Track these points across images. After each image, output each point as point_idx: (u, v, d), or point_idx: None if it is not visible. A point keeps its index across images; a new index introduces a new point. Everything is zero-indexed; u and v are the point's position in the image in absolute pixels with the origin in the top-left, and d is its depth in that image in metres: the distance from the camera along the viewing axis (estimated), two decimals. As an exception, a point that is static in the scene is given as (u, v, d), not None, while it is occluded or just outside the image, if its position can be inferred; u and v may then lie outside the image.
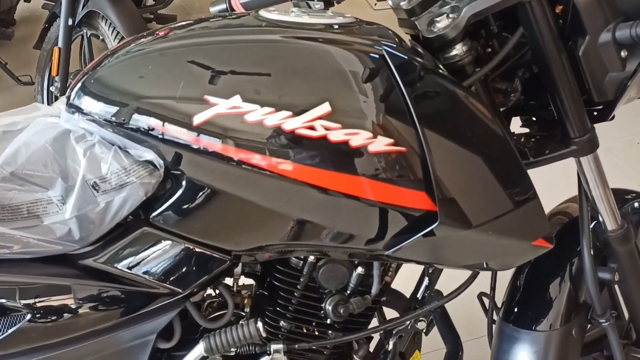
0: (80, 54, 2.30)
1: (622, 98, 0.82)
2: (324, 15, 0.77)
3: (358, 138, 0.66)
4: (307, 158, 0.66)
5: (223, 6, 1.02)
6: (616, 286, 1.02)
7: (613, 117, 0.88)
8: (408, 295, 0.99)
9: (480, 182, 0.71)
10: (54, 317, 0.74)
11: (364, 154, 0.67)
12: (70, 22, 2.05)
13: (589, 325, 0.99)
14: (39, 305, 0.73)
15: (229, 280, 0.89)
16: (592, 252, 0.92)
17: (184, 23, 0.76)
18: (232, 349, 0.84)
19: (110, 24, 1.98)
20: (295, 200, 0.69)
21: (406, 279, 0.99)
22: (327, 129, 0.66)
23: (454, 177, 0.69)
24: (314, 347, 0.88)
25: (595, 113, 0.85)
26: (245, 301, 0.94)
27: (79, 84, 0.74)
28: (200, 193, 0.71)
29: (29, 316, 0.73)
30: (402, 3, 0.82)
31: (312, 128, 0.66)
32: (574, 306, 0.97)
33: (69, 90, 0.77)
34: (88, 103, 0.72)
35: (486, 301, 1.06)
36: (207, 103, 0.66)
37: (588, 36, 0.77)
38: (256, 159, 0.67)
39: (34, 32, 2.50)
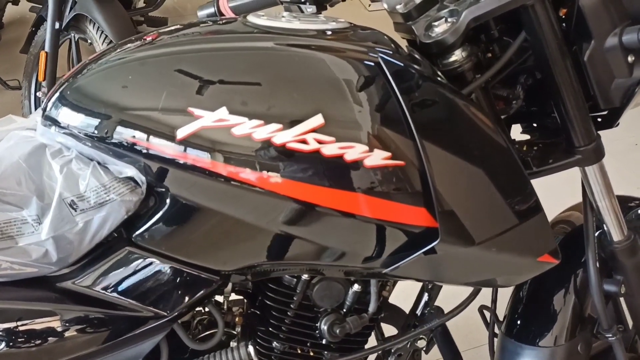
0: (68, 59, 2.25)
1: (629, 105, 0.79)
2: (316, 20, 0.73)
3: (353, 152, 0.62)
4: (299, 173, 0.62)
5: (211, 10, 0.98)
6: (621, 298, 0.99)
7: (618, 123, 0.85)
8: (407, 310, 0.95)
9: (482, 196, 0.67)
10: (31, 344, 0.70)
11: (359, 169, 0.62)
12: (57, 25, 2.00)
13: (595, 340, 0.96)
14: (15, 331, 0.69)
15: (219, 298, 0.85)
16: (597, 265, 0.88)
17: (170, 29, 0.72)
18: (223, 372, 0.80)
19: (98, 27, 1.94)
20: (287, 217, 0.65)
21: (404, 293, 0.95)
22: (320, 142, 0.61)
23: (455, 191, 0.65)
24: (311, 369, 0.84)
25: (599, 119, 0.82)
26: (237, 319, 0.90)
27: (57, 95, 0.70)
28: (186, 210, 0.67)
29: (3, 344, 0.68)
30: (398, 7, 0.78)
31: (304, 142, 0.61)
32: (579, 320, 0.93)
33: (45, 100, 0.72)
34: (65, 115, 0.68)
35: (487, 314, 1.02)
36: (191, 115, 0.62)
37: (594, 40, 0.74)
38: (244, 174, 0.63)
39: (23, 35, 2.45)
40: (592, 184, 0.85)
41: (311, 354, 0.84)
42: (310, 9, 0.85)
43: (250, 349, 0.74)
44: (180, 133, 0.62)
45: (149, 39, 0.69)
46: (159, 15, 2.76)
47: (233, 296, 0.87)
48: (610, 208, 0.87)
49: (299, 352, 0.84)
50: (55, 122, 0.69)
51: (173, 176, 0.65)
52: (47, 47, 2.02)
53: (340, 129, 0.62)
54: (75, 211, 0.66)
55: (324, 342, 0.82)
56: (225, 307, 0.87)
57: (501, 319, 1.00)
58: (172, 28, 0.72)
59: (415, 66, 0.66)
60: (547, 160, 0.80)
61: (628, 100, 0.78)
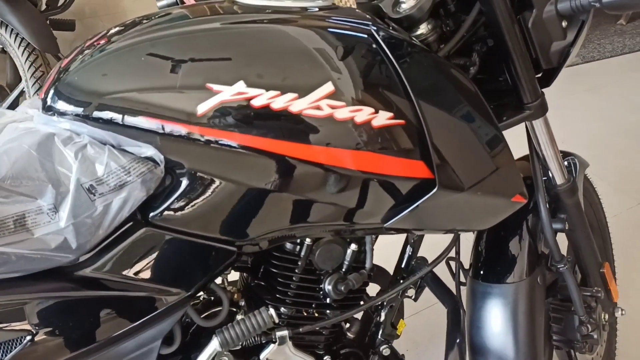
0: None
1: (564, 64, 0.92)
2: (304, 1, 0.78)
3: (362, 114, 0.68)
4: (316, 138, 0.68)
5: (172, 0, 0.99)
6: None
7: (549, 84, 0.98)
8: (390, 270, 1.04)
9: (468, 147, 0.77)
10: (55, 335, 0.69)
11: (368, 129, 0.69)
12: (-37, 30, 1.86)
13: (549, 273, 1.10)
14: (39, 324, 0.68)
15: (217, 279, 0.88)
16: (547, 206, 1.02)
17: (174, 11, 0.74)
18: (239, 343, 0.83)
19: (12, 30, 1.82)
20: (305, 181, 0.70)
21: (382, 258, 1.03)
22: (332, 107, 0.67)
23: (448, 144, 0.74)
24: (317, 328, 0.89)
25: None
26: (235, 296, 0.93)
27: (57, 84, 0.69)
28: (204, 185, 0.69)
29: (28, 337, 0.67)
30: (363, -12, 0.85)
31: (318, 108, 0.67)
32: (535, 257, 1.07)
33: (44, 92, 0.71)
34: (73, 102, 0.68)
35: (453, 266, 1.13)
36: (210, 91, 0.65)
37: (535, 9, 0.85)
38: (265, 143, 0.67)
39: None
40: (539, 136, 0.98)
41: (316, 314, 0.89)
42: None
43: (272, 311, 0.78)
44: (201, 108, 0.65)
45: (148, 22, 0.71)
46: (66, 18, 2.63)
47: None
48: (553, 155, 1.01)
49: (305, 314, 0.89)
50: (59, 110, 0.69)
51: (194, 152, 0.67)
52: (-47, 55, 1.87)
53: (349, 95, 0.68)
54: (94, 195, 0.66)
55: (327, 301, 0.88)
56: (225, 285, 0.91)
57: (466, 268, 1.12)
58: (176, 11, 0.74)
59: (400, 34, 0.74)
60: (502, 117, 0.91)
61: (564, 60, 0.91)
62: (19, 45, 1.82)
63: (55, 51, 1.89)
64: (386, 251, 1.11)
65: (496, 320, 1.03)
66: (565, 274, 1.07)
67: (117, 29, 0.73)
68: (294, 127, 0.67)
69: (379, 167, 0.72)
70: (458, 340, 0.92)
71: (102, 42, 0.70)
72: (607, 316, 1.21)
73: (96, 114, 0.67)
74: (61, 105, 0.69)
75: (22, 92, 1.95)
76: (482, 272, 1.08)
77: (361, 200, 0.74)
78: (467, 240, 1.11)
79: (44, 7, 2.57)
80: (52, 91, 0.70)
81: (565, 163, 1.21)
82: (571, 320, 1.14)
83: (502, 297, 1.04)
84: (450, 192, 0.76)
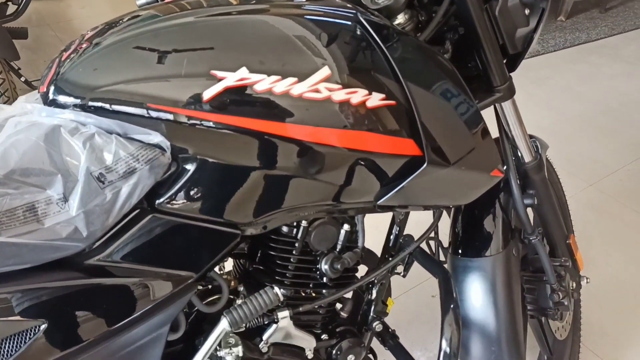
0: None
1: (528, 49, 1.00)
2: None
3: (357, 96, 0.73)
4: (316, 119, 0.72)
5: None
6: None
7: (514, 69, 1.06)
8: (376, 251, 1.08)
9: (453, 125, 0.83)
10: (68, 324, 0.70)
11: (363, 110, 0.74)
12: None
13: (522, 245, 1.18)
14: (51, 313, 0.68)
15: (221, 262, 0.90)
16: (518, 182, 1.09)
17: (162, 8, 0.76)
18: (247, 322, 0.86)
19: (-32, 37, 1.77)
20: (306, 161, 0.74)
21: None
22: (330, 90, 0.71)
23: (435, 122, 0.79)
24: (314, 307, 0.93)
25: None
26: (232, 283, 0.96)
27: (59, 76, 0.70)
28: (209, 170, 0.72)
29: (44, 326, 0.68)
30: (342, -19, 0.90)
31: (317, 91, 0.71)
32: (509, 231, 1.14)
33: (45, 86, 0.72)
34: (77, 94, 0.69)
35: (432, 245, 1.19)
36: (214, 78, 0.68)
37: None
38: (267, 126, 0.70)
39: None
40: (508, 117, 1.06)
41: (313, 294, 0.93)
42: None
43: (277, 289, 0.81)
44: (207, 94, 0.68)
45: (154, 13, 0.73)
46: (18, 26, 2.56)
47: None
48: (521, 135, 1.09)
49: (303, 294, 0.92)
50: (63, 103, 0.70)
51: (199, 137, 0.70)
52: None
53: (344, 78, 0.73)
54: (104, 183, 0.68)
55: (324, 280, 0.92)
56: (222, 272, 0.93)
57: (445, 247, 1.18)
58: (177, 3, 0.76)
59: (386, 22, 0.79)
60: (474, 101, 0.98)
61: (528, 44, 0.98)
62: (-24, 52, 1.77)
63: (14, 57, 1.84)
64: (371, 236, 1.17)
65: (477, 292, 1.10)
66: (537, 245, 1.15)
67: (114, 22, 0.74)
68: (296, 109, 0.71)
69: (374, 146, 0.76)
70: (452, 306, 0.98)
71: (102, 36, 0.72)
72: (574, 284, 1.30)
73: (102, 104, 0.69)
74: (64, 98, 0.70)
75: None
76: (461, 248, 1.14)
77: (357, 179, 0.78)
78: (444, 220, 1.18)
79: (-6, 15, 2.50)
80: (53, 85, 0.71)
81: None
82: (543, 290, 1.23)
83: (481, 269, 1.11)
84: (437, 168, 0.81)
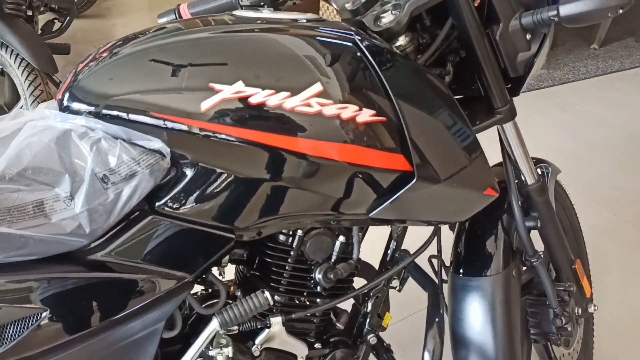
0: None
1: (530, 73, 1.01)
2: (292, 14, 0.87)
3: (347, 111, 0.77)
4: (307, 132, 0.76)
5: (172, 17, 1.08)
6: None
7: (518, 94, 1.08)
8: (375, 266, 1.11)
9: (443, 143, 0.85)
10: (67, 314, 0.75)
11: (353, 125, 0.77)
12: (-37, 51, 1.93)
13: (524, 268, 1.18)
14: (52, 303, 0.73)
15: (214, 271, 0.94)
16: (519, 203, 1.10)
17: (171, 25, 0.82)
18: (235, 327, 0.90)
19: (12, 50, 1.90)
20: (298, 171, 0.78)
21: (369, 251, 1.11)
22: (321, 105, 0.76)
23: (425, 140, 0.82)
24: (308, 315, 0.96)
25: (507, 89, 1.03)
26: (232, 288, 1.00)
27: (73, 86, 0.77)
28: (206, 176, 0.77)
29: (44, 314, 0.73)
30: (346, 5, 0.95)
31: (308, 105, 0.75)
32: (510, 252, 1.15)
33: (60, 93, 0.79)
34: (88, 102, 0.75)
35: (435, 264, 1.21)
36: (212, 90, 0.73)
37: (501, 23, 0.95)
38: (261, 136, 0.75)
39: None
40: (510, 138, 1.07)
41: (307, 302, 0.96)
42: (267, 11, 0.99)
43: (267, 294, 0.84)
44: (204, 105, 0.73)
45: (161, 30, 0.79)
46: (61, 42, 2.71)
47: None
48: (524, 156, 1.10)
49: (297, 302, 0.96)
50: (75, 109, 0.76)
51: (197, 145, 0.75)
52: (-48, 75, 1.94)
53: (336, 94, 0.77)
54: (107, 184, 0.73)
55: (318, 289, 0.95)
56: (222, 277, 0.97)
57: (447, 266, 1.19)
58: (180, 21, 0.82)
59: (381, 43, 0.83)
60: (475, 122, 1.00)
61: (529, 69, 1.00)
62: (19, 65, 1.89)
63: (53, 71, 1.96)
64: (371, 251, 1.19)
65: (475, 311, 1.11)
66: (538, 267, 1.15)
67: (127, 38, 0.81)
68: (287, 122, 0.75)
69: (363, 160, 0.80)
70: (437, 320, 0.99)
71: (114, 50, 0.78)
72: (580, 310, 1.29)
73: (110, 112, 0.75)
74: (77, 105, 0.76)
75: (19, 111, 2.01)
76: (462, 268, 1.16)
77: (348, 191, 0.82)
78: (448, 240, 1.19)
79: (39, 31, 2.66)
80: (68, 93, 0.77)
81: (539, 170, 1.31)
82: (546, 313, 1.22)
83: (480, 289, 1.11)
84: (427, 184, 0.84)
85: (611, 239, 2.17)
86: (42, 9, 2.61)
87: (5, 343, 0.73)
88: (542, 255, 1.16)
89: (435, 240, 1.16)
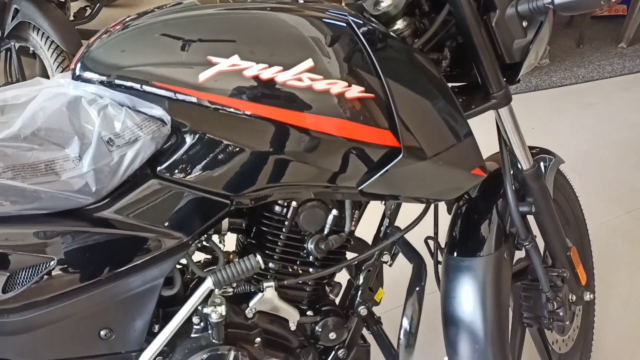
0: (5, 66, 2.27)
1: (526, 60, 1.04)
2: None
3: (337, 87, 0.82)
4: (297, 105, 0.81)
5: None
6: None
7: (519, 80, 1.11)
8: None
9: (431, 121, 0.89)
10: (74, 264, 0.82)
11: (343, 100, 0.82)
12: (-1, 34, 2.04)
13: (516, 251, 1.21)
14: (61, 253, 0.81)
15: (214, 238, 1.00)
16: (513, 188, 1.13)
17: (174, 3, 0.88)
18: (230, 289, 0.96)
19: (43, 33, 2.00)
20: (287, 142, 0.83)
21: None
22: (312, 80, 0.81)
23: (412, 117, 0.86)
24: (299, 283, 1.01)
25: (505, 79, 1.06)
26: (231, 256, 1.06)
27: (85, 57, 0.84)
28: (204, 144, 0.82)
29: (52, 263, 0.80)
30: (349, -11, 1.00)
31: (299, 80, 0.80)
32: (503, 235, 1.17)
33: (74, 64, 0.86)
34: (97, 72, 0.82)
35: (431, 245, 1.25)
36: (210, 63, 0.79)
37: (498, 10, 0.97)
38: (254, 107, 0.80)
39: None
40: (505, 123, 1.10)
41: (300, 271, 1.01)
42: None
43: (259, 257, 0.90)
44: (202, 76, 0.79)
45: (161, 9, 0.85)
46: (90, 28, 2.82)
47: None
48: (519, 142, 1.12)
49: (290, 270, 1.01)
50: (86, 78, 0.83)
51: (196, 114, 0.80)
52: (-12, 54, 2.06)
53: (326, 70, 0.81)
54: (112, 147, 0.80)
55: (310, 259, 1.00)
56: (222, 245, 1.03)
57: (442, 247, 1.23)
58: (179, 1, 0.88)
59: (374, 25, 0.88)
60: (471, 106, 1.03)
61: (525, 55, 1.03)
62: (49, 47, 2.00)
63: (80, 54, 2.06)
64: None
65: (466, 290, 1.14)
66: (530, 250, 1.18)
67: (140, 13, 0.87)
68: (279, 94, 0.80)
69: (352, 134, 0.84)
70: (417, 289, 1.04)
71: (122, 25, 0.85)
72: (574, 297, 1.31)
73: (116, 81, 0.81)
74: (88, 74, 0.83)
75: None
76: (455, 249, 1.19)
77: (337, 163, 0.86)
78: (444, 224, 1.23)
79: (71, 17, 2.78)
80: (80, 63, 0.84)
81: (540, 161, 1.34)
82: (538, 297, 1.25)
83: (472, 269, 1.15)
84: (414, 160, 0.88)
85: (622, 238, 2.16)
86: (75, -4, 2.73)
87: (17, 287, 0.80)
88: (534, 239, 1.19)
89: (432, 223, 1.20)
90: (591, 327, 1.59)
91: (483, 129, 1.15)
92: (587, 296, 1.35)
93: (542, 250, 1.30)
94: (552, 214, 1.23)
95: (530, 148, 1.35)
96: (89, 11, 2.84)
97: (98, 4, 2.64)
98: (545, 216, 1.22)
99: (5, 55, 2.22)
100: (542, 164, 1.34)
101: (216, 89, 0.79)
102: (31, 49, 2.09)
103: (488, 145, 1.16)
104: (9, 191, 0.77)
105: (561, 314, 1.24)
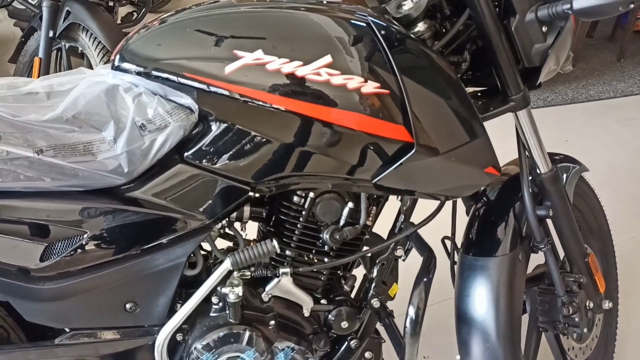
0: (55, 66, 2.41)
1: (545, 64, 1.06)
2: None
3: (353, 82, 0.86)
4: (315, 98, 0.86)
5: None
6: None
7: (540, 85, 1.12)
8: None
9: (444, 119, 0.93)
10: (105, 239, 0.89)
11: (359, 94, 0.87)
12: (51, 33, 2.18)
13: (531, 254, 1.22)
14: (94, 228, 0.88)
15: (237, 225, 1.06)
16: (530, 190, 1.15)
17: (211, 1, 0.95)
18: (247, 273, 1.01)
19: (92, 34, 2.12)
20: (306, 134, 0.88)
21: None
22: (330, 74, 0.86)
23: (426, 113, 0.90)
24: (314, 271, 1.06)
25: (525, 84, 1.08)
26: (251, 244, 1.11)
27: (123, 49, 0.91)
28: (228, 132, 0.88)
29: (85, 237, 0.87)
30: (373, -7, 1.05)
31: (318, 74, 0.85)
32: (518, 237, 1.19)
33: (113, 55, 0.93)
34: (134, 63, 0.89)
35: (448, 246, 1.27)
36: (235, 56, 0.85)
37: (518, 15, 1.00)
38: (275, 99, 0.86)
39: None
40: (523, 126, 1.12)
41: (315, 260, 1.06)
42: None
43: (275, 242, 0.95)
44: (228, 69, 0.85)
45: (197, 7, 0.92)
46: (136, 32, 2.96)
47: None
48: (537, 145, 1.14)
49: (305, 258, 1.06)
50: (124, 69, 0.90)
51: (221, 104, 0.87)
52: (41, 54, 2.19)
53: (344, 66, 0.86)
54: (144, 131, 0.87)
55: (325, 249, 1.05)
56: (244, 231, 1.09)
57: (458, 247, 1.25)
58: (209, 2, 0.95)
59: (394, 26, 0.92)
60: (489, 108, 1.06)
61: (544, 60, 1.05)
62: (96, 47, 2.12)
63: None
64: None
65: (479, 289, 1.16)
66: (545, 253, 1.19)
67: (173, 11, 0.94)
68: (298, 87, 0.86)
69: (367, 127, 0.89)
70: (425, 280, 1.06)
71: (160, 21, 0.92)
72: (591, 304, 1.30)
73: (151, 72, 0.88)
74: (125, 65, 0.90)
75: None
76: (470, 248, 1.21)
77: (352, 155, 0.91)
78: (461, 225, 1.25)
79: (119, 21, 2.93)
80: (119, 55, 0.92)
81: (559, 165, 1.34)
82: (554, 302, 1.25)
83: (486, 268, 1.17)
84: (426, 155, 0.92)
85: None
86: (123, 1, 2.87)
87: (53, 257, 0.88)
88: (550, 242, 1.20)
89: (449, 224, 1.23)
90: (613, 338, 1.57)
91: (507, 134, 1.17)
92: (606, 304, 1.34)
93: (561, 257, 1.31)
94: (570, 219, 1.24)
95: (554, 154, 1.37)
96: (135, 15, 2.98)
97: (144, 9, 2.78)
98: (563, 220, 1.23)
99: (56, 55, 2.36)
100: (564, 170, 1.34)
101: (240, 81, 0.85)
102: (80, 49, 2.22)
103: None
104: (51, 168, 0.85)
105: (576, 319, 1.24)
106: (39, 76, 2.18)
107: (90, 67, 2.27)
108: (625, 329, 1.67)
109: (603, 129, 2.96)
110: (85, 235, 0.88)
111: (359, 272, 1.19)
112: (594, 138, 2.85)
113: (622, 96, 3.33)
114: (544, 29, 1.03)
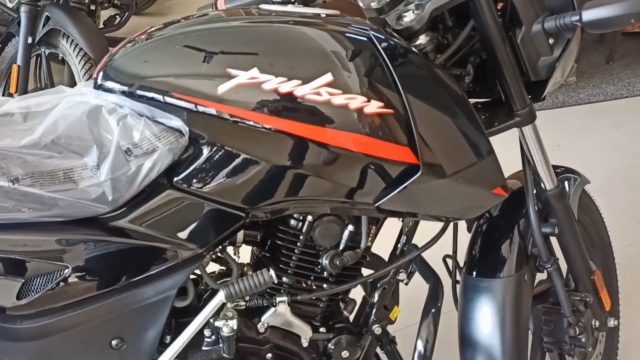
0: (34, 72, 2.33)
1: (552, 78, 1.01)
2: (315, 9, 0.92)
3: (356, 102, 0.81)
4: (315, 118, 0.80)
5: (209, 10, 1.15)
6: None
7: (544, 98, 1.08)
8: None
9: (451, 138, 0.88)
10: (89, 273, 0.82)
11: (361, 115, 0.81)
12: (29, 40, 2.09)
13: (537, 273, 1.18)
14: (76, 262, 0.81)
15: (229, 250, 1.00)
16: (536, 208, 1.10)
17: (199, 15, 0.89)
18: (242, 303, 0.95)
19: (72, 41, 2.04)
20: (304, 156, 0.82)
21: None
22: (330, 94, 0.80)
23: (432, 134, 0.85)
24: (312, 298, 1.00)
25: (530, 96, 1.04)
26: (245, 268, 1.05)
27: (107, 67, 0.85)
28: (221, 156, 0.82)
29: (66, 271, 0.80)
30: (372, 4, 0.99)
31: (318, 94, 0.79)
32: (524, 257, 1.15)
33: (95, 73, 0.87)
34: (118, 82, 0.83)
35: (449, 264, 1.22)
36: (229, 75, 0.79)
37: (524, 27, 0.95)
38: (272, 121, 0.80)
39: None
40: (529, 141, 1.08)
41: (314, 286, 1.00)
42: (291, 6, 1.04)
43: (272, 272, 0.89)
44: (221, 89, 0.79)
45: (182, 21, 0.86)
46: (119, 36, 2.88)
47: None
48: (542, 161, 1.10)
49: (304, 285, 1.00)
50: (107, 88, 0.83)
51: (213, 126, 0.80)
52: (19, 61, 2.11)
53: (345, 85, 0.81)
54: (130, 157, 0.80)
55: (324, 274, 0.99)
56: (237, 256, 1.03)
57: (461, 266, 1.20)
58: (205, 12, 0.89)
59: (396, 39, 0.87)
60: (494, 123, 1.01)
61: (551, 73, 1.00)
62: (77, 54, 2.04)
63: (107, 61, 2.10)
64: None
65: (484, 312, 1.11)
66: (552, 273, 1.14)
67: (160, 25, 0.88)
68: (297, 108, 0.80)
69: (370, 149, 0.83)
70: (433, 310, 1.01)
71: (147, 35, 0.85)
72: (597, 323, 1.26)
73: (137, 91, 0.81)
74: (109, 83, 0.83)
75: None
76: (474, 269, 1.16)
77: (354, 178, 0.85)
78: (463, 242, 1.20)
79: (101, 25, 2.84)
80: (102, 73, 0.85)
81: (564, 179, 1.30)
82: (560, 322, 1.21)
83: (491, 290, 1.12)
84: (433, 177, 0.86)
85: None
86: (105, 4, 2.79)
87: (31, 294, 0.81)
88: (557, 262, 1.16)
89: (451, 241, 1.18)
90: (615, 353, 1.53)
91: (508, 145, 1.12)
92: (611, 322, 1.31)
93: (564, 273, 1.27)
94: (576, 236, 1.19)
95: (555, 167, 1.32)
96: (118, 19, 2.90)
97: (127, 13, 2.70)
98: (569, 238, 1.19)
99: (36, 62, 2.28)
100: (566, 183, 1.30)
101: (234, 102, 0.79)
102: (60, 55, 2.13)
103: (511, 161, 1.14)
104: (27, 198, 0.78)
105: (583, 340, 1.20)
106: (17, 84, 2.10)
107: (71, 73, 2.19)
108: (626, 342, 1.63)
109: (595, 133, 2.94)
110: (67, 270, 0.81)
111: (357, 292, 1.13)
112: (587, 142, 2.83)
113: (611, 99, 3.32)
114: (551, 41, 0.98)
